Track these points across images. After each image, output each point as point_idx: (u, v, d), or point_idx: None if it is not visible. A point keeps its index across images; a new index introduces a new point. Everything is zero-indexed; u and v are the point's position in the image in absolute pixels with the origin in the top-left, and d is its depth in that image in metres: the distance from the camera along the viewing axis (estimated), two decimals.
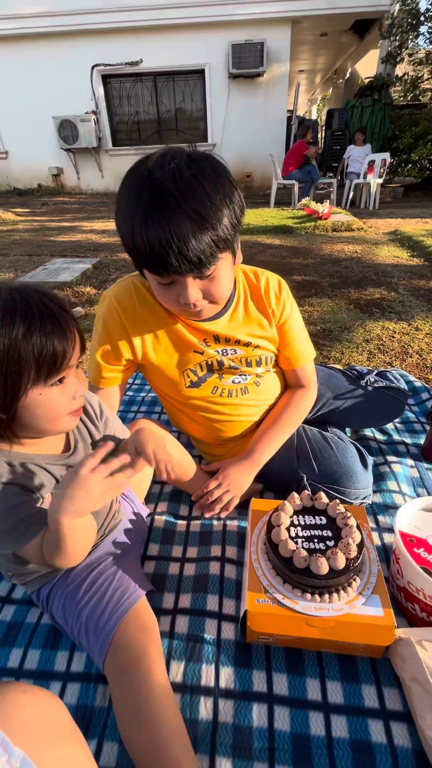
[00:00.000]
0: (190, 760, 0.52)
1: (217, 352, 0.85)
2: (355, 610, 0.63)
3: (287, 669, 0.66)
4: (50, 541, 0.52)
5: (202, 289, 0.69)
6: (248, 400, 0.91)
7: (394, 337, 1.98)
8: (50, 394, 0.54)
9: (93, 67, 7.41)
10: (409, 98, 7.38)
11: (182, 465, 0.89)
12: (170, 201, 0.59)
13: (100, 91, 7.68)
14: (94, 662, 0.61)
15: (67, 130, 7.72)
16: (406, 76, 7.15)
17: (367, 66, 8.60)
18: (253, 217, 5.13)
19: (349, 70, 9.62)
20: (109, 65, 7.39)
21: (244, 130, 7.74)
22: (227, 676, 0.65)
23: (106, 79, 7.68)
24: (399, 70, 7.40)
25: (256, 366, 0.88)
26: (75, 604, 0.64)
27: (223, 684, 0.64)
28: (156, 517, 0.92)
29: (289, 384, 0.98)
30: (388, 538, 0.87)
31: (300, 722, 0.60)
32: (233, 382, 0.88)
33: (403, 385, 1.13)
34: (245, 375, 0.89)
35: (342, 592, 0.64)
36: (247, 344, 0.86)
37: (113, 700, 0.58)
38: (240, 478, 0.88)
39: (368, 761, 0.56)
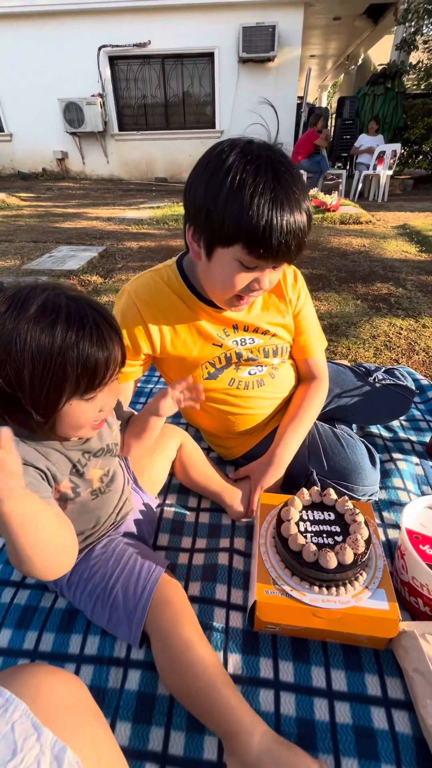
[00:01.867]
0: (241, 698, 0.57)
1: (236, 342, 0.87)
2: (361, 603, 0.65)
3: (293, 657, 0.68)
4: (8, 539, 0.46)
5: (271, 278, 0.72)
6: (264, 392, 0.92)
7: (401, 333, 1.98)
8: (81, 406, 0.54)
9: (100, 48, 7.25)
10: (423, 87, 7.22)
11: (206, 472, 0.95)
12: (291, 192, 0.62)
13: (107, 72, 7.53)
14: (128, 635, 0.65)
15: (72, 113, 7.59)
16: (420, 64, 6.98)
17: (381, 52, 8.41)
18: None
19: (362, 57, 9.40)
20: (117, 46, 7.23)
21: (252, 116, 7.58)
22: (235, 663, 0.67)
23: (113, 60, 7.52)
24: (413, 57, 7.22)
25: (273, 356, 0.90)
26: (105, 580, 0.67)
27: (231, 670, 0.66)
28: (165, 508, 0.94)
29: (302, 376, 1.00)
30: (392, 534, 0.89)
31: (305, 708, 0.62)
32: (249, 373, 0.90)
33: (411, 383, 1.13)
34: (261, 366, 0.90)
35: (349, 585, 0.66)
36: (266, 332, 0.88)
37: (158, 658, 0.62)
38: (269, 482, 0.93)
39: (370, 746, 0.58)
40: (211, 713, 0.57)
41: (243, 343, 0.87)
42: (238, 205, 0.62)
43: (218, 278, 0.73)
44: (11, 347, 0.47)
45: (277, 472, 0.92)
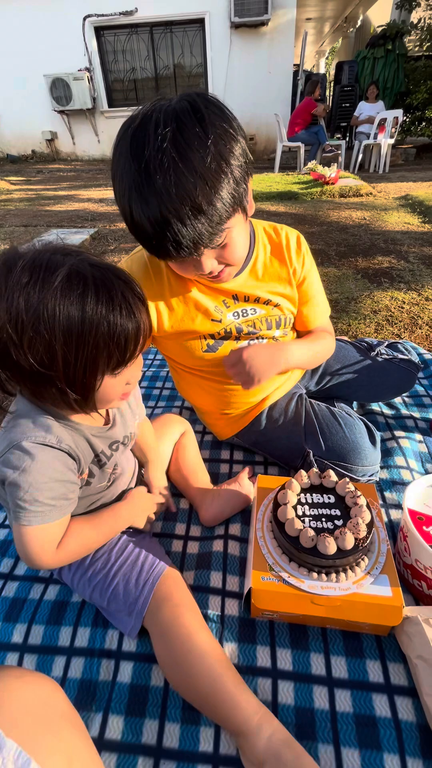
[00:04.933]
0: (247, 692, 0.55)
1: (236, 314, 0.82)
2: (362, 590, 0.61)
3: (291, 644, 0.65)
4: (92, 539, 0.63)
5: (216, 257, 0.66)
6: None
7: (403, 307, 1.91)
8: (110, 381, 0.53)
9: (85, 18, 6.90)
10: (425, 48, 6.84)
11: (195, 470, 0.91)
12: (161, 189, 0.54)
13: (93, 45, 7.19)
14: (127, 625, 0.63)
15: (59, 89, 7.29)
16: (422, 23, 6.59)
17: (380, 12, 7.94)
18: (257, 182, 4.90)
19: (361, 18, 8.90)
20: (102, 15, 6.87)
21: (247, 86, 7.23)
22: (231, 652, 0.64)
23: (99, 31, 7.16)
24: (415, 16, 6.83)
25: (276, 328, 0.86)
26: (107, 568, 0.65)
27: None
28: None
29: None
30: (395, 514, 0.85)
31: (304, 696, 0.60)
32: (249, 344, 0.85)
33: (415, 357, 1.08)
34: (262, 339, 0.86)
35: (350, 571, 0.63)
36: (267, 302, 0.83)
37: (159, 654, 0.60)
38: (263, 355, 0.77)
39: (372, 735, 0.56)
40: (215, 710, 0.54)
41: (244, 314, 0.83)
42: (122, 204, 0.59)
43: (170, 264, 0.70)
44: (39, 323, 0.44)
45: (279, 351, 0.80)
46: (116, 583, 0.64)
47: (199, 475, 0.90)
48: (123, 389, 0.57)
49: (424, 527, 0.68)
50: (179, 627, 0.58)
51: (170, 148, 0.53)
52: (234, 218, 0.62)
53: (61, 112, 7.61)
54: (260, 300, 0.83)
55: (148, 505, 0.74)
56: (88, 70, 7.29)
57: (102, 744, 0.57)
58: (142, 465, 0.83)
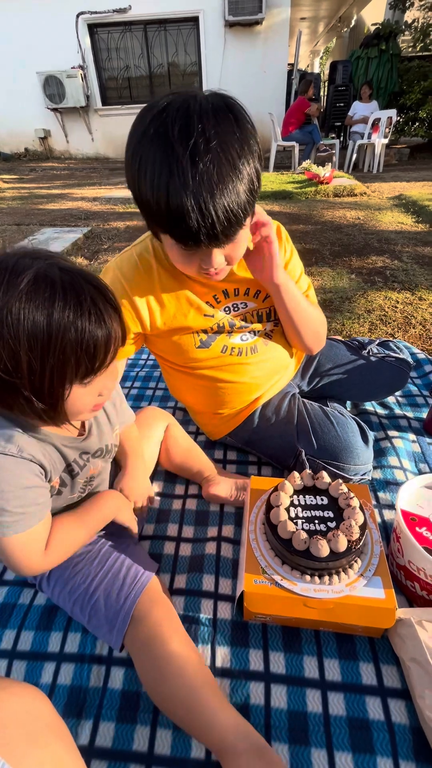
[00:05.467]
0: (224, 708, 0.54)
1: (228, 309, 0.83)
2: (355, 592, 0.61)
3: (284, 647, 0.65)
4: (80, 537, 0.63)
5: (224, 254, 0.66)
6: (256, 359, 0.88)
7: (396, 307, 1.91)
8: (79, 391, 0.50)
9: (78, 15, 6.84)
10: (418, 48, 6.87)
11: (190, 452, 0.91)
12: (205, 177, 0.54)
13: (87, 42, 7.12)
14: (109, 640, 0.61)
15: (53, 87, 7.21)
16: (416, 23, 6.62)
17: (374, 12, 7.96)
18: None
19: (355, 18, 8.91)
20: (96, 13, 6.81)
21: (241, 85, 7.19)
22: (223, 656, 0.64)
23: (92, 28, 7.10)
24: (408, 16, 6.85)
25: (267, 320, 0.87)
26: (87, 582, 0.63)
27: (219, 663, 0.63)
28: None
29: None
30: (388, 514, 0.85)
31: (297, 700, 0.59)
32: (242, 339, 0.86)
33: (407, 356, 1.08)
34: (254, 332, 0.87)
35: (342, 573, 0.62)
36: (257, 294, 0.84)
37: (139, 671, 0.58)
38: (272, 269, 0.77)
39: (365, 738, 0.56)
40: (193, 727, 0.54)
41: (235, 309, 0.83)
42: (144, 191, 0.58)
43: (173, 259, 0.69)
44: (2, 327, 0.42)
45: (277, 267, 0.76)
46: (97, 597, 0.62)
47: (195, 453, 0.91)
48: (95, 400, 0.54)
49: (417, 528, 0.68)
50: (159, 646, 0.57)
51: (215, 140, 0.54)
52: (249, 218, 0.63)
53: (55, 110, 7.54)
54: (250, 292, 0.83)
55: (128, 503, 0.73)
56: (81, 67, 7.22)
57: (92, 751, 0.56)
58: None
